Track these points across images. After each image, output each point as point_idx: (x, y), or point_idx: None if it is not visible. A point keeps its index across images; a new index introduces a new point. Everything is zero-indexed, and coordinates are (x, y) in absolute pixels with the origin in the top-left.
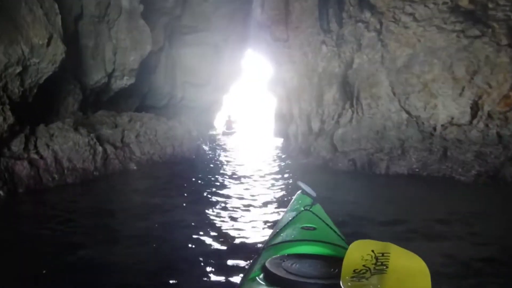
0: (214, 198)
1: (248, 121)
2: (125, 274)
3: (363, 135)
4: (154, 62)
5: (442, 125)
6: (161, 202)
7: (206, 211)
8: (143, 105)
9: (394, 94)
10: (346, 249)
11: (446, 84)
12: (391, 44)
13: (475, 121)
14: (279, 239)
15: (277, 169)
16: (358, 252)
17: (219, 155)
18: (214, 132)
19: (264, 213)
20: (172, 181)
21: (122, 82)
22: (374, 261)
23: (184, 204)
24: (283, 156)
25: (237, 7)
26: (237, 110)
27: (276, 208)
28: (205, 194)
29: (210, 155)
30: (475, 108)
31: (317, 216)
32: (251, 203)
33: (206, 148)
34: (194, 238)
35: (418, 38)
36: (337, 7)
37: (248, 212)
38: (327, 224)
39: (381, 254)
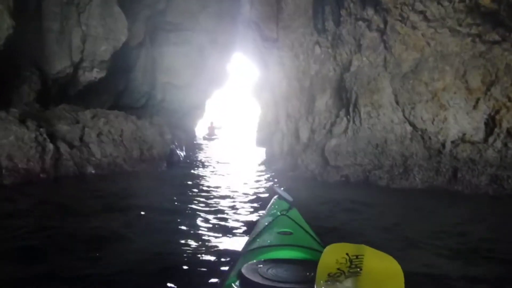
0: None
1: (231, 128)
2: None
3: (359, 148)
4: (132, 58)
5: (453, 142)
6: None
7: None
8: (118, 104)
9: (397, 103)
10: (322, 253)
11: (459, 95)
12: (396, 46)
13: (491, 139)
14: (255, 244)
15: (259, 183)
16: (333, 256)
17: (195, 164)
18: (196, 139)
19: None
20: (129, 196)
21: (91, 74)
22: (348, 264)
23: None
24: (265, 167)
25: (226, 7)
26: (221, 116)
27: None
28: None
29: (185, 163)
30: (491, 124)
31: (293, 220)
32: (229, 227)
33: (182, 154)
34: None
35: (427, 41)
36: (335, 4)
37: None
38: (304, 229)
39: (355, 257)
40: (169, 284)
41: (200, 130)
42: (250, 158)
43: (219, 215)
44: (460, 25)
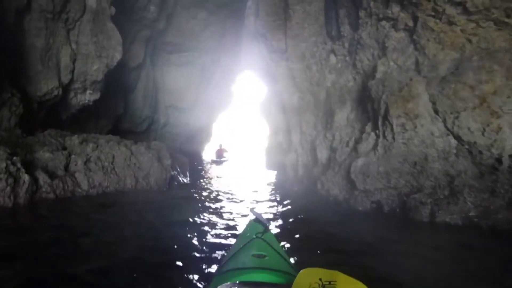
0: None
1: (239, 151)
2: None
3: (393, 168)
4: (132, 79)
5: (510, 156)
6: None
7: None
8: (118, 129)
9: (436, 111)
10: (295, 276)
11: None
12: (429, 46)
13: None
14: (230, 266)
15: (273, 212)
16: (306, 280)
17: (199, 193)
18: (203, 164)
19: None
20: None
21: (84, 97)
22: None
23: None
24: (278, 193)
25: (229, 24)
26: (228, 139)
27: None
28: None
29: (188, 193)
30: None
31: (268, 243)
32: None
33: (185, 181)
34: None
35: (468, 38)
36: (351, 5)
37: None
38: (278, 252)
39: (328, 282)
40: None
41: (207, 154)
42: (261, 184)
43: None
44: (508, 16)
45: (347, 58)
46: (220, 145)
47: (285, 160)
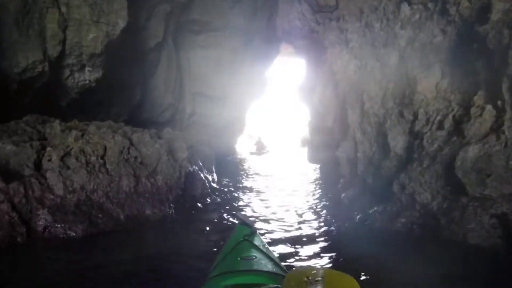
0: None
1: (278, 142)
2: None
3: None
4: (150, 62)
5: None
6: None
7: None
8: (136, 119)
9: None
10: (284, 277)
11: None
12: None
13: None
14: (219, 270)
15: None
16: (294, 281)
17: (227, 198)
18: (236, 157)
19: None
20: None
21: (83, 76)
22: (309, 287)
23: None
24: (327, 199)
25: (261, 2)
26: (265, 130)
27: None
28: None
29: (213, 196)
30: None
31: (255, 246)
32: None
33: (210, 178)
34: None
35: None
36: None
37: None
38: (266, 254)
39: (315, 280)
40: None
41: (241, 147)
42: (302, 184)
43: None
44: None
45: (430, 4)
46: (259, 137)
47: (337, 151)
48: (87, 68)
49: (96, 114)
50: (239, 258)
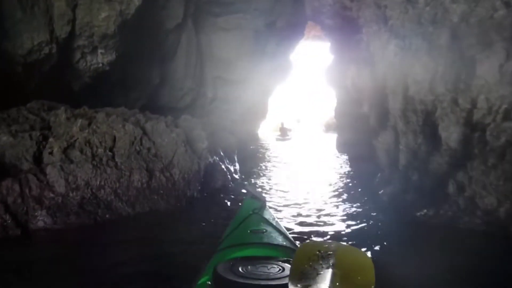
0: None
1: (301, 128)
2: None
3: None
4: (170, 44)
5: None
6: None
7: None
8: (154, 104)
9: None
10: (294, 250)
11: None
12: None
13: None
14: (229, 242)
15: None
16: (306, 254)
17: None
18: (259, 144)
19: None
20: None
21: (95, 58)
22: (320, 261)
23: None
24: (362, 194)
25: None
26: (288, 115)
27: None
28: None
29: (235, 188)
30: None
31: (266, 219)
32: None
33: (231, 169)
34: None
35: None
36: None
37: None
38: (276, 227)
39: (327, 254)
40: None
41: (263, 132)
42: (333, 172)
43: None
44: None
45: None
46: (282, 124)
47: (375, 141)
48: (99, 50)
49: (113, 99)
50: (248, 231)
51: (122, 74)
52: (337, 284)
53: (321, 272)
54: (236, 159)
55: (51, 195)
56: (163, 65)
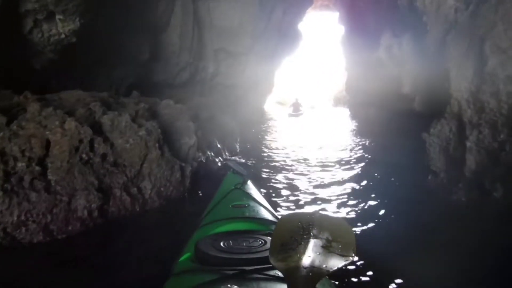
0: None
1: (311, 102)
2: None
3: None
4: (161, 12)
5: None
6: None
7: None
8: (146, 81)
9: None
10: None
11: None
12: None
13: None
14: (210, 218)
15: None
16: (286, 226)
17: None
18: (265, 120)
19: None
20: None
21: (54, 27)
22: (301, 231)
23: None
24: (406, 201)
25: None
26: (297, 89)
27: None
28: None
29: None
30: None
31: (247, 193)
32: None
33: (234, 159)
34: None
35: None
36: None
37: None
38: (258, 201)
39: (307, 224)
40: None
41: (270, 107)
42: (365, 165)
43: None
44: None
45: None
46: (296, 99)
47: (424, 134)
48: (57, 16)
49: (92, 79)
50: (230, 206)
51: (100, 49)
52: (318, 253)
53: (302, 243)
54: (238, 148)
55: None
56: (155, 38)
